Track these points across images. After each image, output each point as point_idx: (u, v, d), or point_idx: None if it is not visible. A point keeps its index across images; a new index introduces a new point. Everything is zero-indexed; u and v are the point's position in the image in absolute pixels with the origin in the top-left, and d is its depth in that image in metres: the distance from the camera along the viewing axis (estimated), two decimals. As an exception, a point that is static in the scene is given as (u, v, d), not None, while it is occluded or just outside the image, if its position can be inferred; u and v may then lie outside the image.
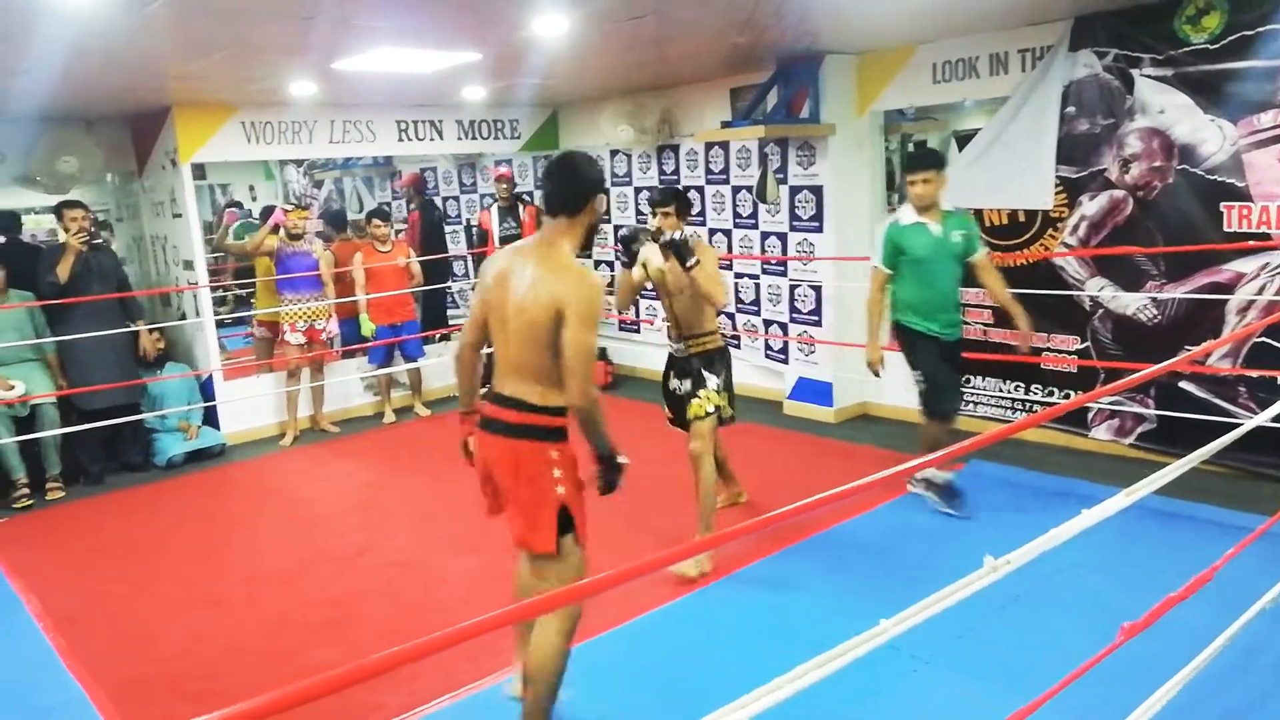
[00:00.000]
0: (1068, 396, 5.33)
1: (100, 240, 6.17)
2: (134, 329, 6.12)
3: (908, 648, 3.03)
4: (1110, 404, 5.16)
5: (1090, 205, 5.10)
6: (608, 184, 7.87)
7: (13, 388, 5.43)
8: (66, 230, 5.77)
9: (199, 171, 6.92)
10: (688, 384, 4.15)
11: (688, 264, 3.78)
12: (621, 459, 2.68)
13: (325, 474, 5.89)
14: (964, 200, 5.58)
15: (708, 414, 4.06)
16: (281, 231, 6.65)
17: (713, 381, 4.10)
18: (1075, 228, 5.17)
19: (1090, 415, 5.28)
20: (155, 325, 6.42)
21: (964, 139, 5.80)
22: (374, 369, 7.03)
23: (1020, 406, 5.59)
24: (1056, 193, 5.20)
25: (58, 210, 5.91)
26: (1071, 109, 5.07)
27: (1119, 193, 4.99)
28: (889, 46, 5.79)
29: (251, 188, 11.79)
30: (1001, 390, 5.65)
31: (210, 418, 6.52)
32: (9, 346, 5.51)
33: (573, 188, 2.64)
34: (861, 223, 6.27)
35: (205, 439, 6.29)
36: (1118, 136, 4.93)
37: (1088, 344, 5.24)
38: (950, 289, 4.39)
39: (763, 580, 3.88)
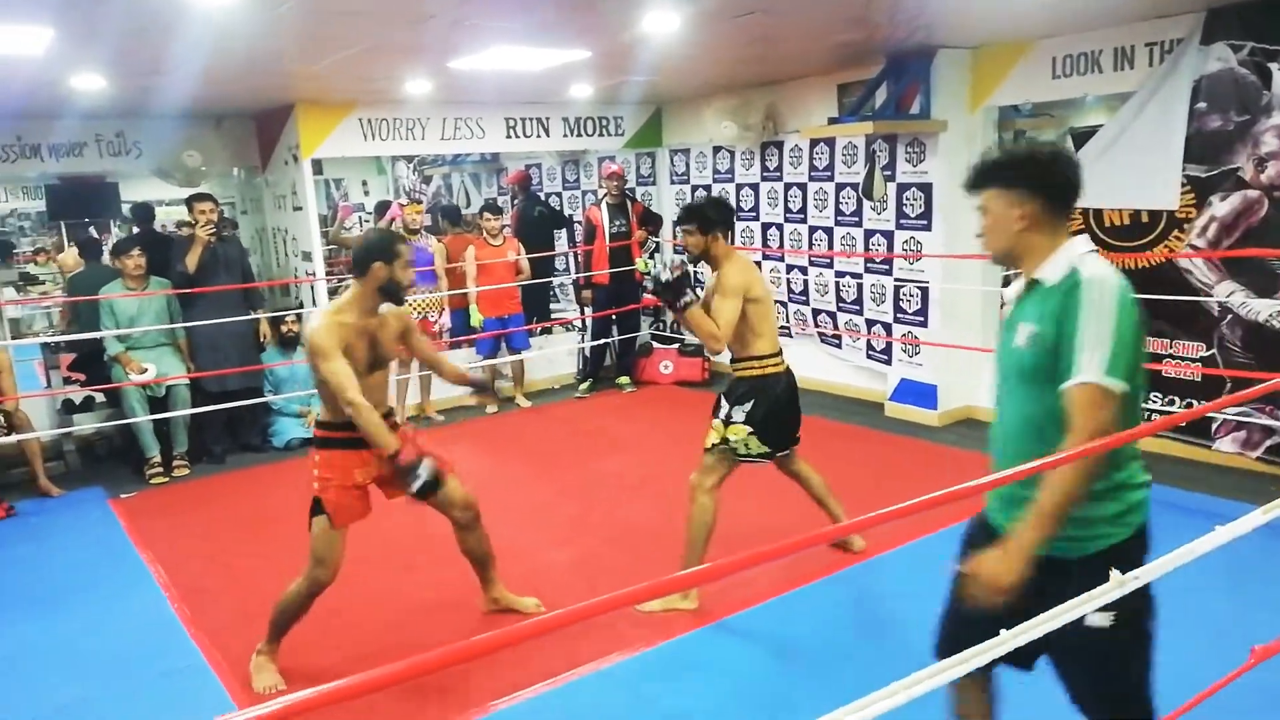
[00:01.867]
0: (1190, 406, 5.09)
1: (227, 232, 6.50)
2: (255, 316, 6.43)
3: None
4: (1237, 415, 4.90)
5: (1221, 206, 4.85)
6: (709, 181, 7.87)
7: (145, 370, 5.78)
8: (195, 222, 6.09)
9: (317, 167, 7.21)
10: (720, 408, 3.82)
11: (680, 304, 3.49)
12: (408, 461, 3.19)
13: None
14: (1083, 199, 5.38)
15: (713, 445, 3.74)
16: (399, 225, 6.88)
17: (726, 411, 3.74)
18: (1204, 229, 4.93)
19: (1215, 426, 5.03)
20: (277, 313, 6.71)
21: (1081, 136, 5.57)
22: (481, 360, 7.21)
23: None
24: (1183, 192, 4.96)
25: (188, 202, 6.25)
26: (1202, 105, 4.83)
27: (1253, 193, 4.73)
28: (1006, 40, 5.62)
29: (364, 183, 12.20)
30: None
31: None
32: (147, 331, 5.86)
33: (357, 257, 3.23)
34: (972, 221, 6.08)
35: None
36: (1253, 134, 4.67)
37: (1213, 351, 4.99)
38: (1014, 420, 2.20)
39: (856, 583, 3.84)
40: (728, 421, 3.73)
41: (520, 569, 4.28)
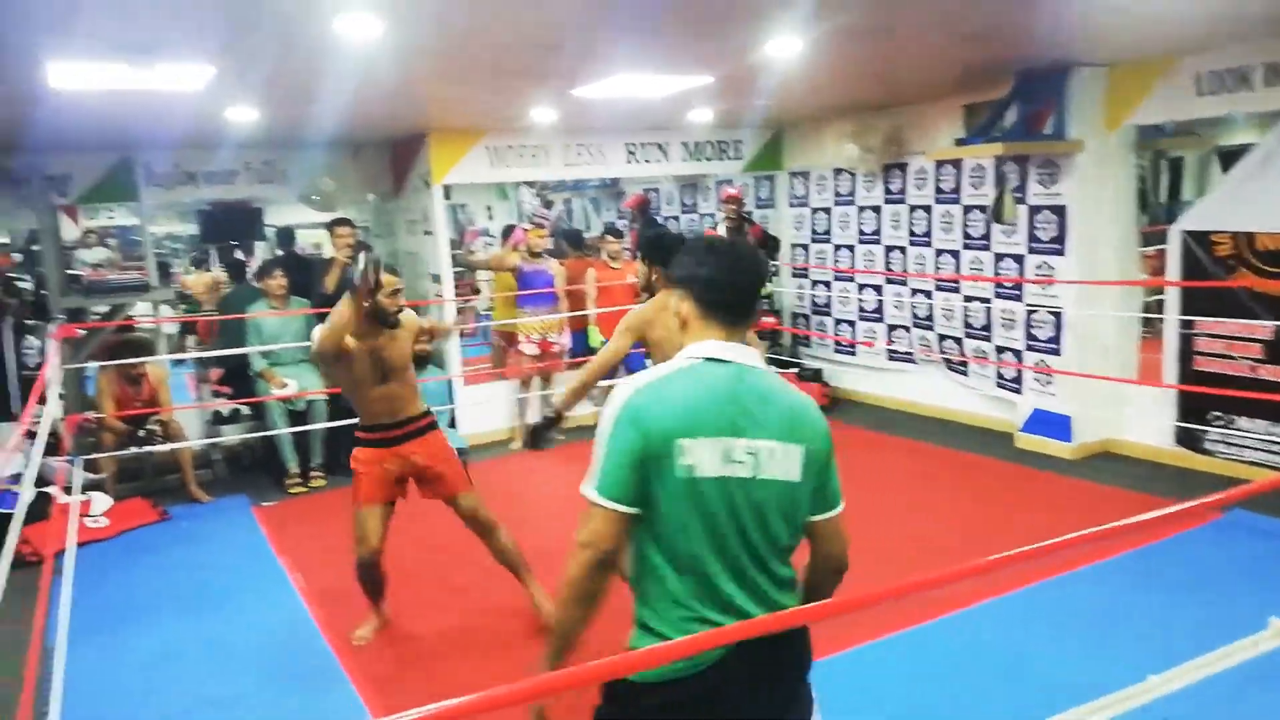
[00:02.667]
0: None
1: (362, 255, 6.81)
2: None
3: (1166, 708, 2.78)
4: None
5: (1392, 228, 4.50)
6: (829, 204, 7.78)
7: (286, 385, 6.10)
8: (335, 245, 6.41)
9: (445, 192, 7.48)
10: None
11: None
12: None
13: (547, 479, 6.18)
14: (1233, 222, 5.09)
15: None
16: (523, 248, 7.08)
17: None
18: (1372, 253, 4.58)
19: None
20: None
21: (1229, 156, 5.29)
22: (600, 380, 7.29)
23: (1295, 452, 5.01)
24: (1348, 214, 4.63)
25: (329, 227, 6.59)
26: (1370, 120, 4.51)
27: None
28: (1147, 57, 5.37)
29: (489, 207, 12.59)
30: (1273, 434, 5.07)
31: (451, 420, 7.01)
32: (288, 348, 6.19)
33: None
34: (1108, 245, 5.85)
35: (450, 440, 6.73)
36: None
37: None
38: None
39: (1001, 619, 3.69)
40: None
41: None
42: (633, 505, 1.69)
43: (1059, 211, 5.83)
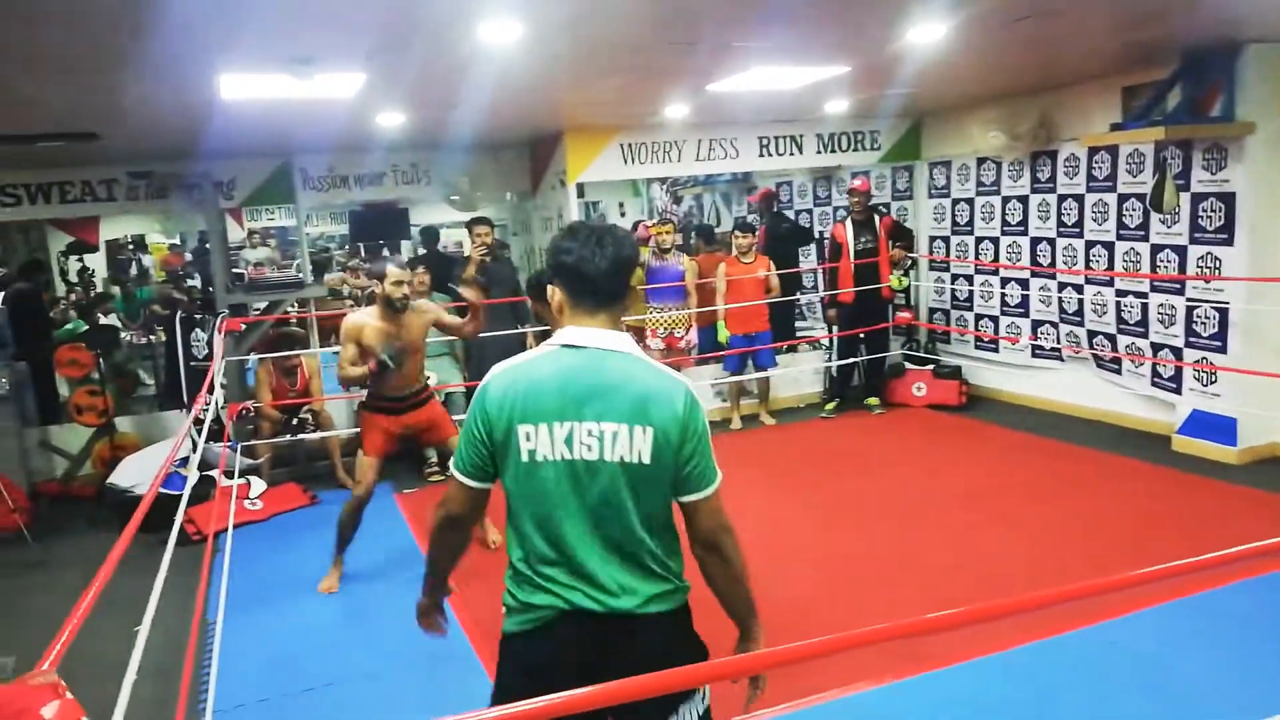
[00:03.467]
0: None
1: (500, 252, 7.03)
2: (523, 330, 6.89)
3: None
4: None
5: None
6: (971, 194, 7.50)
7: (430, 378, 6.34)
8: (473, 242, 6.63)
9: (580, 190, 7.62)
10: None
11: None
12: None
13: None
14: None
15: None
16: (652, 244, 7.13)
17: None
18: None
19: None
20: (542, 327, 7.13)
21: None
22: (728, 376, 7.29)
23: None
24: None
25: (469, 225, 6.81)
26: None
27: None
28: (1332, 29, 4.93)
29: (620, 204, 12.72)
30: None
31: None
32: (430, 341, 6.43)
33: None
34: (1285, 235, 5.41)
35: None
36: None
37: None
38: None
39: (1138, 634, 3.48)
40: None
41: (764, 588, 4.27)
42: (480, 481, 1.91)
43: (1226, 199, 5.43)
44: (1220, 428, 5.62)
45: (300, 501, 5.90)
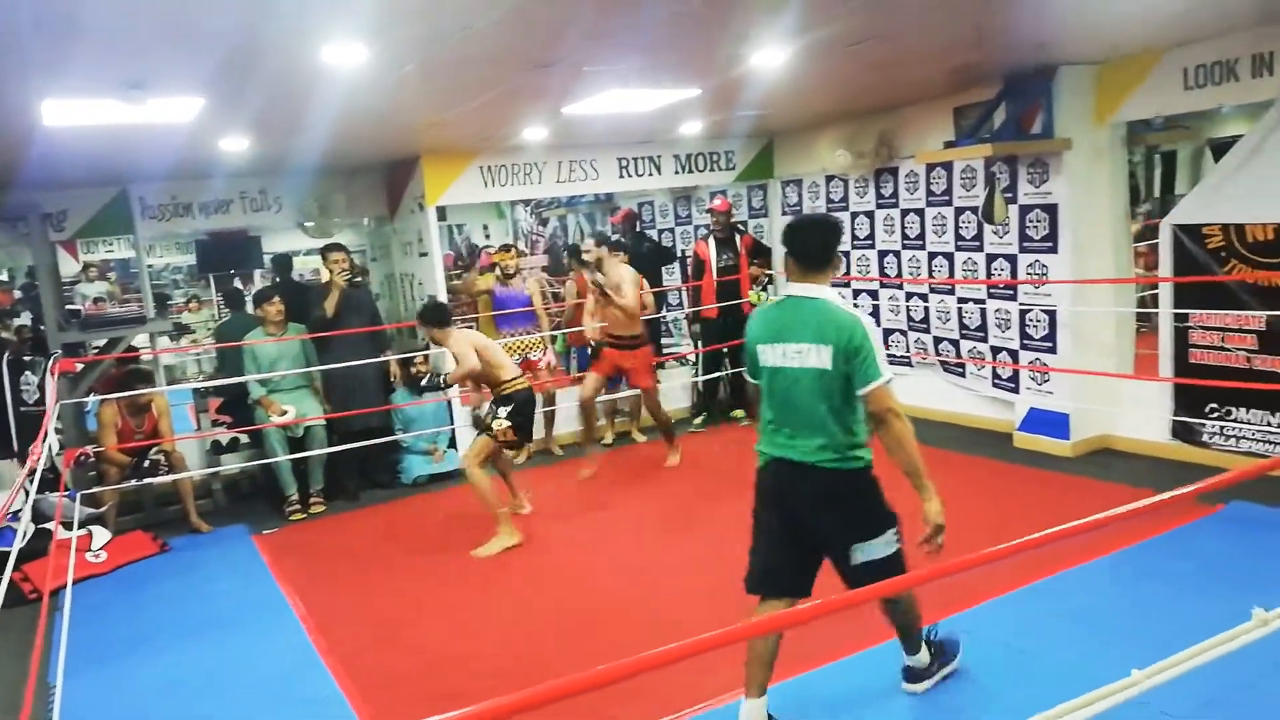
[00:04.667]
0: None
1: (357, 279, 6.84)
2: (386, 358, 6.73)
3: (1159, 703, 2.77)
4: None
5: (1381, 215, 4.51)
6: (822, 211, 7.82)
7: (285, 412, 6.12)
8: (330, 270, 6.43)
9: (441, 213, 7.52)
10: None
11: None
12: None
13: (553, 493, 6.17)
14: (1223, 214, 5.10)
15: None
16: (497, 271, 7.12)
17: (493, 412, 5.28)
18: (1362, 241, 4.59)
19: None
20: (406, 354, 7.00)
21: (1220, 148, 5.30)
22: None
23: (1295, 442, 5.00)
24: (1337, 203, 4.64)
25: (323, 252, 6.61)
26: (1355, 109, 4.52)
27: None
28: (1133, 53, 5.40)
29: (485, 226, 12.62)
30: (1269, 423, 5.07)
31: (453, 441, 7.01)
32: (286, 374, 6.21)
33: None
34: (1102, 241, 5.87)
35: (449, 462, 6.74)
36: None
37: (1381, 372, 4.62)
38: None
39: (997, 621, 3.68)
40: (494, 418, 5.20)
41: (645, 598, 4.30)
42: (756, 379, 3.06)
43: (1050, 210, 5.85)
44: (1055, 423, 6.03)
45: (149, 550, 5.56)
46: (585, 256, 6.72)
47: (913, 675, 3.17)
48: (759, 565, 3.03)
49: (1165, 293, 5.55)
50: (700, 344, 7.69)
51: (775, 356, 2.91)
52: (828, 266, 2.95)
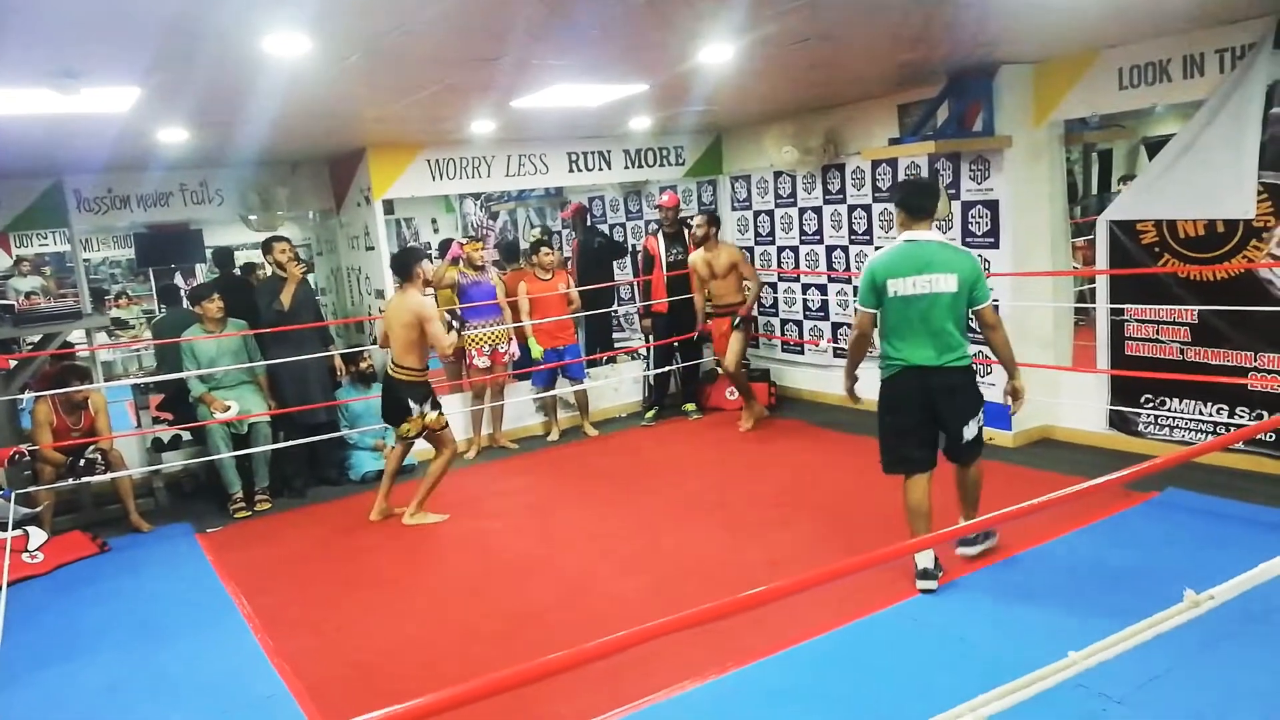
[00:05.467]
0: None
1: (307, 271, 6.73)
2: (331, 353, 6.62)
3: (1096, 684, 2.86)
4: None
5: (1303, 212, 4.68)
6: (771, 206, 7.89)
7: (229, 408, 6.00)
8: (276, 262, 6.30)
9: (388, 207, 7.42)
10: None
11: None
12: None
13: (501, 490, 6.15)
14: (1155, 211, 5.25)
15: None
16: (462, 263, 7.05)
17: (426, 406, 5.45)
18: (1286, 237, 4.76)
19: (1307, 441, 4.83)
20: (352, 349, 6.91)
21: (1154, 146, 5.46)
22: (538, 391, 7.32)
23: (1224, 431, 5.17)
24: (1260, 200, 4.81)
25: (266, 245, 6.49)
26: (1277, 110, 4.68)
27: (1338, 198, 4.56)
28: (1070, 53, 5.53)
29: (434, 220, 12.52)
30: (1202, 413, 5.24)
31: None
32: (228, 371, 6.09)
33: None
34: (1041, 237, 6.01)
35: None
36: (1335, 137, 4.51)
37: (1302, 363, 4.80)
38: None
39: (937, 608, 3.77)
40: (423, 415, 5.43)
41: (590, 595, 4.32)
42: (873, 309, 3.93)
43: (991, 206, 5.98)
44: (998, 415, 6.14)
45: (88, 550, 5.41)
46: (697, 232, 7.00)
47: (967, 541, 4.12)
48: (899, 453, 4.00)
49: (1102, 287, 5.71)
50: (651, 338, 7.71)
51: (907, 287, 3.78)
52: (932, 215, 3.90)
